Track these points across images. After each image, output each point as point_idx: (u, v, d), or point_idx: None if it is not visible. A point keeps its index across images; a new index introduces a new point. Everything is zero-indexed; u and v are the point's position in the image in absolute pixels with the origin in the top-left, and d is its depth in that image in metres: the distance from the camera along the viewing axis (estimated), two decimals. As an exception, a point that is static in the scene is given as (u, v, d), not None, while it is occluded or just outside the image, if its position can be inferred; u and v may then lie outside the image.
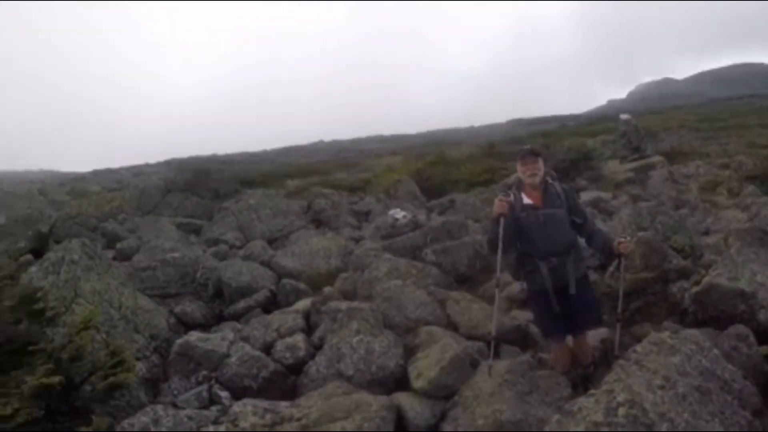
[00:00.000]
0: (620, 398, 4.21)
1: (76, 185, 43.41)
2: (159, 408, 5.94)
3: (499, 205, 5.91)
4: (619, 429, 3.99)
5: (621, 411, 4.09)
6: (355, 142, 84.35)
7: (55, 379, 5.47)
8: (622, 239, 5.83)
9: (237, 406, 5.93)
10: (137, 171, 56.36)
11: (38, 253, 12.91)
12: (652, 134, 31.63)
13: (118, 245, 15.19)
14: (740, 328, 6.30)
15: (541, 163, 5.99)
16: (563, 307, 5.91)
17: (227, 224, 17.39)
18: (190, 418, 5.80)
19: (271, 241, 15.98)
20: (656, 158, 24.51)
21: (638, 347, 5.03)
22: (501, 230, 5.92)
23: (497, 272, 6.31)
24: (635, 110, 59.43)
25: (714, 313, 6.91)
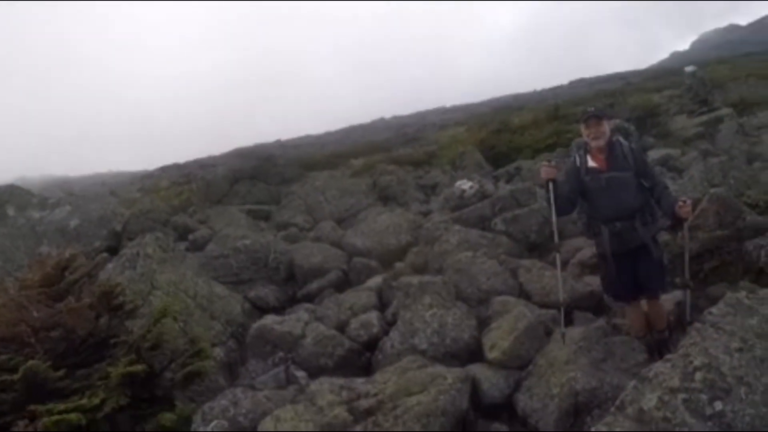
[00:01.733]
0: (697, 362, 4.09)
1: (145, 183, 44.31)
2: (238, 390, 6.04)
3: (545, 170, 5.90)
4: (697, 394, 3.89)
5: (698, 375, 3.99)
6: (417, 116, 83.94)
7: (139, 367, 5.61)
8: (681, 202, 5.62)
9: (314, 385, 5.99)
10: (203, 163, 57.11)
11: (114, 250, 13.22)
12: (719, 85, 30.62)
13: (190, 236, 15.42)
14: (821, 286, 6.08)
15: (605, 125, 5.82)
16: (631, 272, 5.82)
17: (295, 208, 17.55)
18: (268, 398, 5.89)
19: (340, 221, 16.05)
20: (725, 110, 23.72)
21: (714, 309, 4.88)
22: (551, 195, 5.91)
23: (555, 237, 6.38)
24: (700, 61, 57.73)
25: (792, 271, 6.69)
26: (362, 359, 7.37)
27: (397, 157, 27.66)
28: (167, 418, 5.48)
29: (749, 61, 54.54)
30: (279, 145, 64.14)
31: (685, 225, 5.95)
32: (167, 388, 6.12)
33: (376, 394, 5.61)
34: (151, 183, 42.56)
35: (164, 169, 58.73)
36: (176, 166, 59.71)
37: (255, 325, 8.06)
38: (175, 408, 5.73)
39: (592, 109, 6.00)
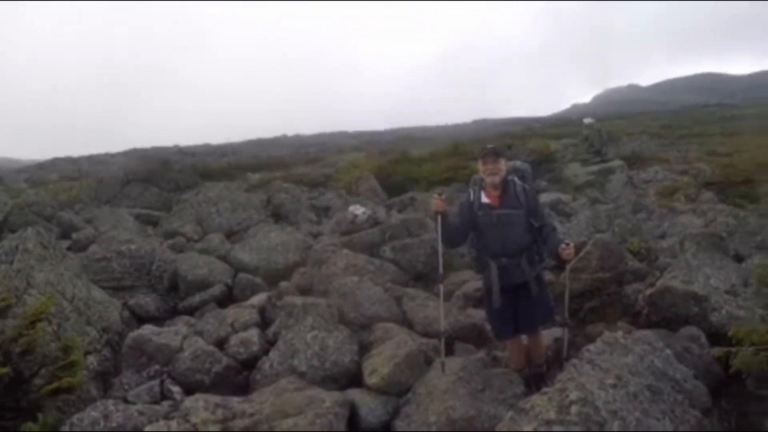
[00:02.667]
0: (573, 396, 4.24)
1: (34, 173, 42.85)
2: (109, 403, 5.80)
3: (435, 203, 6.03)
4: (572, 427, 4.02)
5: (573, 409, 4.13)
6: (319, 137, 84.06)
7: (3, 370, 5.36)
8: (564, 245, 5.83)
9: (188, 401, 5.84)
10: (97, 160, 55.68)
11: (-8, 241, 12.65)
12: (614, 139, 32.03)
13: (74, 235, 14.97)
14: (692, 330, 6.44)
15: (502, 163, 5.97)
16: (515, 307, 5.98)
17: (186, 216, 17.20)
18: (140, 413, 5.68)
19: (230, 235, 15.85)
20: (617, 162, 24.87)
21: (591, 346, 5.09)
22: (439, 227, 6.10)
23: (439, 268, 6.57)
24: (599, 114, 60.13)
25: (667, 315, 7.03)
26: (240, 378, 7.23)
27: (294, 176, 27.61)
28: (30, 428, 5.25)
29: (645, 119, 57.29)
30: (177, 150, 63.11)
31: (567, 266, 6.16)
32: (35, 396, 5.84)
33: (252, 414, 5.53)
34: (40, 174, 41.14)
35: (56, 162, 57.01)
36: (69, 160, 57.95)
37: (131, 335, 7.78)
38: (39, 418, 5.47)
39: (491, 146, 6.14)
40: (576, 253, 6.48)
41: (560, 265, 6.32)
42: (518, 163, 6.56)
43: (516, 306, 6.02)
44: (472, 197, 6.07)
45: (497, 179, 5.94)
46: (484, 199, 5.99)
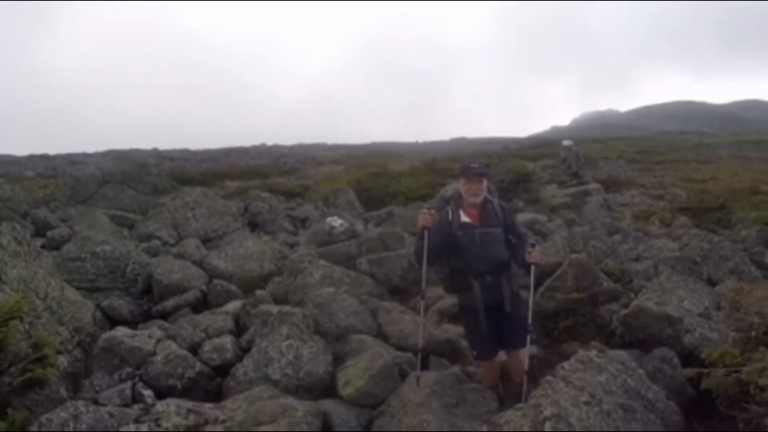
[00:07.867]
0: (547, 413, 4.27)
1: (10, 169, 42.60)
2: (80, 404, 5.72)
3: (423, 217, 5.94)
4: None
5: (547, 425, 4.16)
6: (297, 148, 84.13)
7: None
8: (530, 246, 5.81)
9: (160, 406, 5.78)
10: (74, 159, 55.52)
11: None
12: (591, 162, 32.38)
13: (49, 233, 14.90)
14: (665, 351, 6.49)
15: (485, 183, 5.97)
16: (495, 325, 5.97)
17: (162, 220, 17.11)
18: (111, 415, 5.61)
19: (206, 241, 15.78)
20: (593, 185, 25.11)
21: (566, 364, 5.13)
22: (425, 243, 5.93)
23: (423, 284, 6.35)
24: (577, 137, 60.80)
25: (641, 336, 7.08)
26: (212, 384, 7.16)
27: (272, 185, 27.61)
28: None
29: (621, 144, 57.96)
30: (155, 153, 63.05)
31: (533, 270, 5.98)
32: (4, 393, 5.76)
33: (224, 421, 5.49)
34: (16, 170, 40.89)
35: (32, 158, 56.92)
36: (46, 158, 57.84)
37: (104, 336, 7.67)
38: (7, 416, 5.39)
39: (475, 166, 6.06)
40: (553, 271, 6.46)
41: (527, 270, 6.15)
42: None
43: (497, 325, 6.01)
44: (450, 216, 6.02)
45: (479, 199, 5.94)
46: (464, 219, 5.96)
